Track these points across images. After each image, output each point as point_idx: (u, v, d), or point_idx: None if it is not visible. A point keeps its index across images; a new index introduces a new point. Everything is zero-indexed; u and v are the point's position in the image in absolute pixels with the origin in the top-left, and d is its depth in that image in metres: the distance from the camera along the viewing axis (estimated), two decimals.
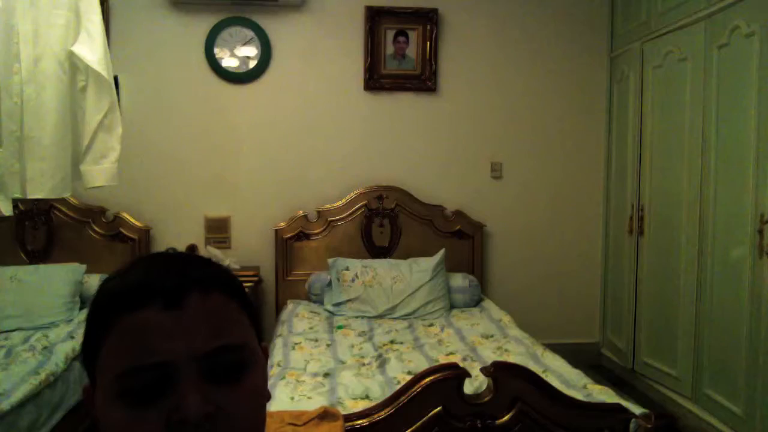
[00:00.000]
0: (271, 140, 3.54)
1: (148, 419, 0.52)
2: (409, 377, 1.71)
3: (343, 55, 3.55)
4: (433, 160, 3.64)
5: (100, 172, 2.23)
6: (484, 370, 1.60)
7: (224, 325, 0.56)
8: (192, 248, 3.43)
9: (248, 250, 3.52)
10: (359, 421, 1.50)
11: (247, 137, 3.52)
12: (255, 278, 3.37)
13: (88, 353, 0.57)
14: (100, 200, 3.32)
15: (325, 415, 0.84)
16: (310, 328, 2.86)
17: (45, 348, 2.45)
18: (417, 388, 1.54)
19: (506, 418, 1.46)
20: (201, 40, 3.43)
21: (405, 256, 3.41)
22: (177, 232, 3.47)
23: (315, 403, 1.94)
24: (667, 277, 3.08)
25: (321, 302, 3.26)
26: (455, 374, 1.54)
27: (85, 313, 2.98)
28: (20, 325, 2.77)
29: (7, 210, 1.89)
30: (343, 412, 1.61)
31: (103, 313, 0.56)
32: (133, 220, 3.38)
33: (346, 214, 3.52)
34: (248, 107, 3.51)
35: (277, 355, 2.48)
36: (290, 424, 0.81)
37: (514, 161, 3.70)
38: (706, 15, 2.75)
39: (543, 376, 1.75)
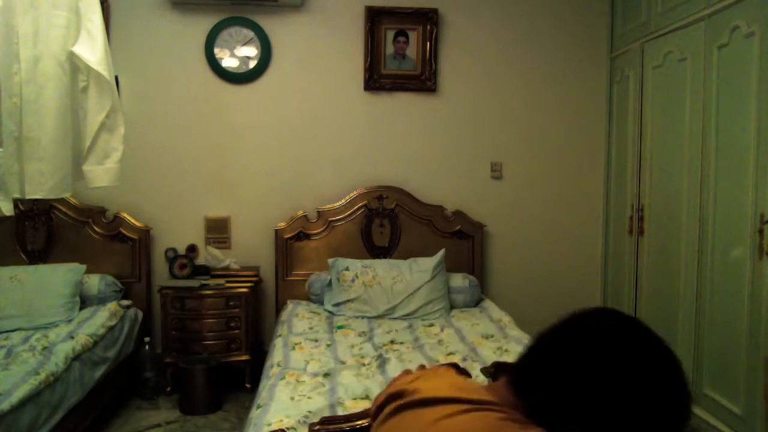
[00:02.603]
0: (271, 140, 3.54)
1: None
2: None
3: (343, 56, 3.55)
4: (433, 161, 3.64)
5: (103, 173, 2.24)
6: (484, 370, 1.60)
7: None
8: (192, 248, 3.43)
9: (248, 250, 3.52)
10: (359, 422, 1.49)
11: (247, 137, 3.52)
12: (255, 278, 3.37)
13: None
14: (100, 200, 3.32)
15: None
16: (310, 328, 2.86)
17: (45, 348, 2.45)
18: None
19: None
20: (201, 40, 3.43)
21: (405, 256, 3.41)
22: (177, 232, 3.47)
23: (315, 403, 1.94)
24: (667, 277, 3.08)
25: (321, 302, 3.26)
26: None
27: (84, 312, 2.99)
28: (20, 325, 2.78)
29: (8, 210, 1.89)
30: (343, 413, 1.61)
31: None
32: (133, 220, 3.38)
33: (346, 214, 3.52)
34: (248, 107, 3.51)
35: (277, 355, 2.48)
36: None
37: (513, 161, 3.70)
38: (706, 15, 2.74)
39: None
